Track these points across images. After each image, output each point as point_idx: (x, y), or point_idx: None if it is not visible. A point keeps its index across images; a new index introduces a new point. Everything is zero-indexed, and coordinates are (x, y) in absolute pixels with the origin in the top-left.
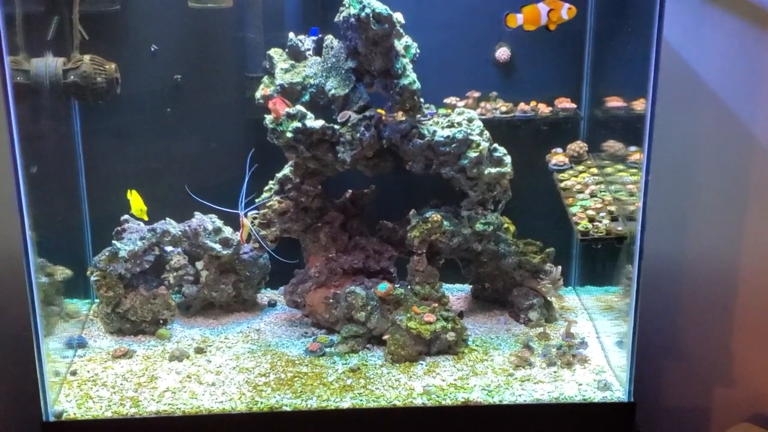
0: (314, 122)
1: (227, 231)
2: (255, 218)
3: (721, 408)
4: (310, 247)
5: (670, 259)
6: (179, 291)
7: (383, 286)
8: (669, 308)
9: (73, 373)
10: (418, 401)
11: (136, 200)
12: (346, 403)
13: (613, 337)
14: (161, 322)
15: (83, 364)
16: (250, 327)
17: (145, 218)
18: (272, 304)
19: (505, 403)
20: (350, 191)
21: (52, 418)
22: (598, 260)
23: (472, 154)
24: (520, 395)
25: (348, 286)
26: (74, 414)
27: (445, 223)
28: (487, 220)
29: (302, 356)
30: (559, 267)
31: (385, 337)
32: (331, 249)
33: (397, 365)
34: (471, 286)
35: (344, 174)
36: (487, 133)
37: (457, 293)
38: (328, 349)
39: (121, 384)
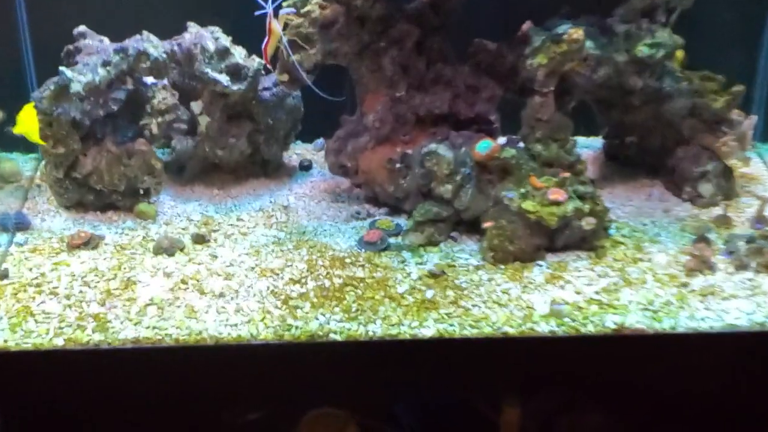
0: None
1: (238, 54)
2: (290, 20)
3: None
4: (366, 81)
5: None
6: (167, 145)
7: (484, 145)
8: None
9: (5, 275)
10: (543, 327)
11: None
12: (428, 330)
13: None
14: (141, 193)
15: (22, 258)
16: (275, 202)
17: (39, 141)
18: (306, 167)
19: (681, 331)
20: None
21: None
22: None
23: None
24: (703, 318)
25: (425, 143)
26: (4, 342)
27: (589, 43)
28: (656, 41)
29: (355, 251)
30: (754, 117)
31: (486, 224)
32: (400, 84)
33: (503, 268)
34: (604, 141)
35: None
36: None
37: (580, 151)
38: (393, 240)
39: (80, 292)
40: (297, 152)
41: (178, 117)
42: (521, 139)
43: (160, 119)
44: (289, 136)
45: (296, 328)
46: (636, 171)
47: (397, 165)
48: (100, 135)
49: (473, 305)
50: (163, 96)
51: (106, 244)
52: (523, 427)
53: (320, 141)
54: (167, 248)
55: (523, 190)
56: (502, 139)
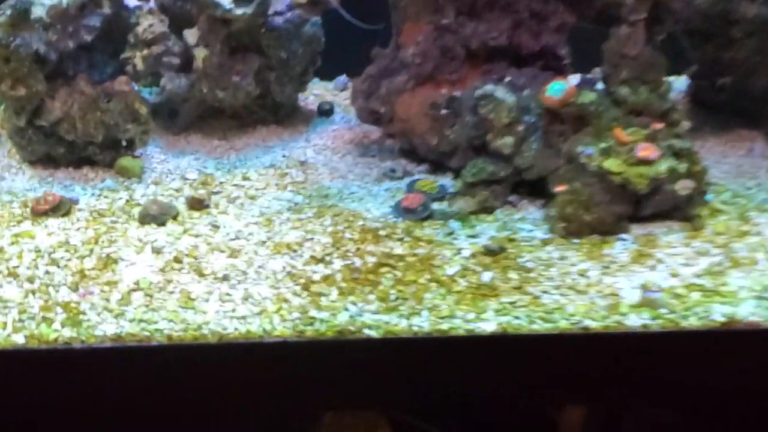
0: None
1: None
2: None
3: None
4: (405, 4)
5: None
6: (154, 84)
7: (557, 88)
8: None
9: None
10: (633, 321)
11: None
12: (488, 324)
13: None
14: (123, 144)
15: None
16: (289, 156)
17: None
18: (326, 112)
19: None
20: None
21: None
22: None
23: None
24: None
25: (478, 84)
26: None
27: None
28: None
29: (390, 220)
30: None
31: (558, 188)
32: (447, 8)
33: (578, 243)
34: (691, 82)
35: None
36: None
37: None
38: (437, 206)
39: (47, 273)
40: (315, 92)
41: (169, 49)
42: (602, 79)
43: (145, 52)
44: (306, 73)
45: (321, 321)
46: (731, 120)
47: (443, 111)
48: (72, 72)
49: (543, 291)
50: (149, 22)
51: (79, 210)
52: (586, 427)
53: (342, 79)
54: (156, 216)
55: (603, 145)
56: (573, 78)
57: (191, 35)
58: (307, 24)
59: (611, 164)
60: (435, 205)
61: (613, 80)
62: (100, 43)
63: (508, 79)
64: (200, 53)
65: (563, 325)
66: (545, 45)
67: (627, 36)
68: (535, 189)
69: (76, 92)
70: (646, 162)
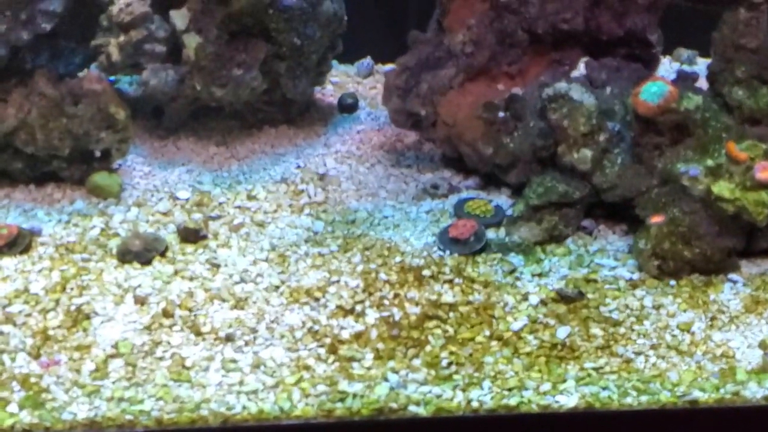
0: None
1: None
2: None
3: None
4: None
5: None
6: (133, 73)
7: (654, 90)
8: None
9: None
10: (753, 391)
11: None
12: (568, 397)
13: None
14: (96, 156)
15: None
16: (305, 167)
17: None
18: (349, 107)
19: None
20: None
21: None
22: None
23: None
24: None
25: (546, 79)
26: None
27: None
28: None
29: (434, 253)
30: None
31: (655, 220)
32: None
33: (675, 285)
34: None
35: None
36: None
37: None
38: (493, 235)
39: (0, 336)
40: (333, 80)
41: (151, 34)
42: (709, 77)
43: (122, 38)
44: (324, 61)
45: (353, 396)
46: None
47: (500, 113)
48: (29, 66)
49: (636, 353)
50: (126, 1)
51: (42, 244)
52: None
53: (367, 62)
54: (139, 252)
55: (711, 163)
56: (665, 66)
57: (180, 17)
58: (326, 0)
59: (722, 189)
60: (490, 233)
61: (724, 79)
62: (64, 30)
63: (583, 72)
64: (191, 40)
65: (665, 397)
66: (631, 28)
67: (746, 22)
68: (614, 211)
69: (34, 94)
70: (766, 186)
